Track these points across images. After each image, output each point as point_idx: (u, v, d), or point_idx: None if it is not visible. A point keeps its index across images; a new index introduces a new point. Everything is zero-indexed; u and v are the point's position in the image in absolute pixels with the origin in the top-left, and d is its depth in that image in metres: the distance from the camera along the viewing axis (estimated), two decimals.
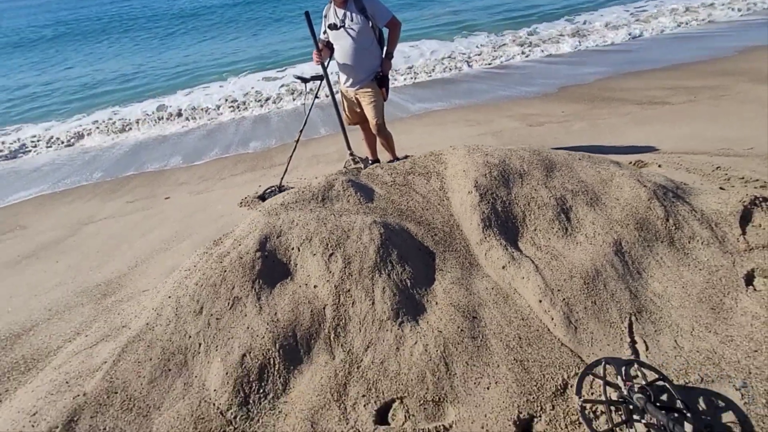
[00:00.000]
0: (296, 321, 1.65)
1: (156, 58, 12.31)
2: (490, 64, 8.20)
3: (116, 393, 1.49)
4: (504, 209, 1.96)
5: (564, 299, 1.68)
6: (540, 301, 1.68)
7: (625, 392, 1.34)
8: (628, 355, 1.55)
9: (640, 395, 1.30)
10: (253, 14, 16.85)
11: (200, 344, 1.62)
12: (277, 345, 1.59)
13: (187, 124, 7.39)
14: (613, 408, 1.35)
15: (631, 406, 1.33)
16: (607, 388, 1.38)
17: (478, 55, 8.57)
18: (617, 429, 1.30)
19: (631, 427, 1.29)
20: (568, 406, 1.41)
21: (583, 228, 1.93)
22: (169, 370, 1.56)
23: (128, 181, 5.79)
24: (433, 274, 1.83)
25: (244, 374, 1.52)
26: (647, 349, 1.57)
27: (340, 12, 3.06)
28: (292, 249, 1.83)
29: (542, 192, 2.01)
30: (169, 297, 1.76)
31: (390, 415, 1.45)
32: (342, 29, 3.05)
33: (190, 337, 1.63)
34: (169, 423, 1.41)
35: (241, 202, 3.90)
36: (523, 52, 8.51)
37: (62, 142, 7.22)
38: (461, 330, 1.62)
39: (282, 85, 8.12)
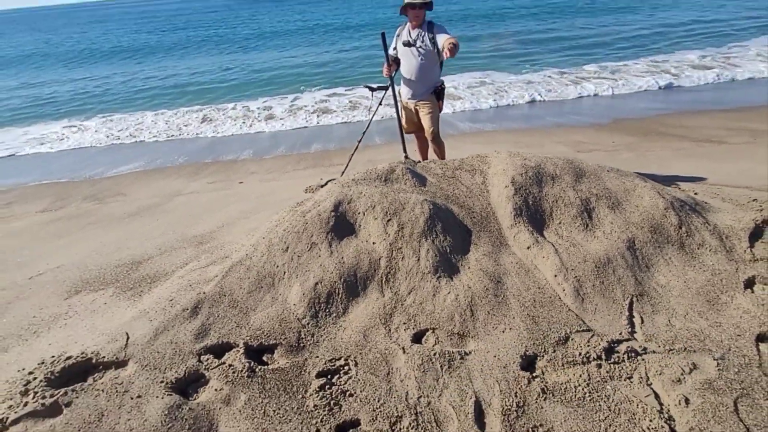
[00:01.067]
0: (357, 265, 2.13)
1: (247, 68, 13.77)
2: (551, 94, 8.46)
3: (225, 296, 2.04)
4: (534, 203, 2.35)
5: (576, 276, 2.03)
6: (555, 276, 2.04)
7: None
8: (627, 331, 1.85)
9: None
10: (330, 37, 18.29)
11: (284, 272, 2.14)
12: (341, 279, 2.07)
13: (261, 126, 8.33)
14: None
15: None
16: None
17: (542, 86, 8.88)
18: None
19: None
20: (567, 351, 1.76)
21: (602, 226, 2.27)
22: (262, 287, 2.10)
23: (207, 167, 6.69)
24: (468, 247, 2.25)
25: (316, 296, 2.02)
26: (642, 322, 1.88)
27: (414, 32, 3.61)
28: (359, 213, 2.33)
29: (570, 193, 2.37)
30: (263, 238, 2.32)
31: (424, 339, 1.88)
32: (413, 47, 3.59)
33: (277, 266, 2.16)
34: (261, 319, 1.93)
35: (306, 189, 4.51)
36: (585, 87, 8.69)
37: (161, 131, 8.41)
38: (487, 289, 2.02)
39: (348, 101, 8.94)
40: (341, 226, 2.30)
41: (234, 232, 3.44)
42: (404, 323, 1.92)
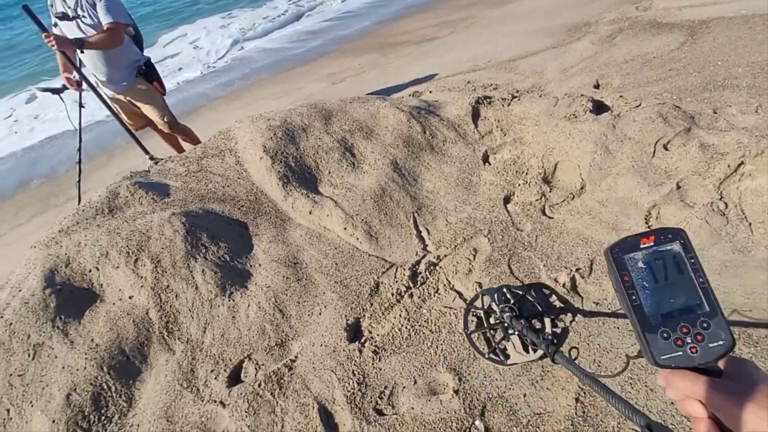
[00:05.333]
0: (119, 337, 1.59)
1: None
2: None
3: None
4: (297, 163, 2.16)
5: (362, 219, 2.00)
6: (345, 228, 1.97)
7: (499, 314, 1.50)
8: (421, 248, 1.96)
9: (507, 314, 1.46)
10: None
11: (8, 410, 1.44)
12: (105, 368, 1.52)
13: None
14: (493, 331, 1.53)
15: (505, 324, 1.48)
16: (488, 314, 1.55)
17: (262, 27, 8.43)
18: (498, 346, 1.48)
19: (508, 341, 1.48)
20: (381, 298, 1.75)
21: (366, 158, 2.26)
22: None
23: None
24: (250, 241, 1.94)
25: (75, 412, 1.43)
26: (429, 233, 2.01)
27: (71, 0, 2.62)
28: (90, 271, 1.70)
29: (326, 139, 2.26)
30: None
31: (242, 374, 1.58)
32: (75, 20, 2.65)
33: None
34: None
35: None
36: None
37: None
38: (286, 278, 1.80)
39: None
40: (71, 300, 1.65)
41: None
42: (212, 370, 1.56)
